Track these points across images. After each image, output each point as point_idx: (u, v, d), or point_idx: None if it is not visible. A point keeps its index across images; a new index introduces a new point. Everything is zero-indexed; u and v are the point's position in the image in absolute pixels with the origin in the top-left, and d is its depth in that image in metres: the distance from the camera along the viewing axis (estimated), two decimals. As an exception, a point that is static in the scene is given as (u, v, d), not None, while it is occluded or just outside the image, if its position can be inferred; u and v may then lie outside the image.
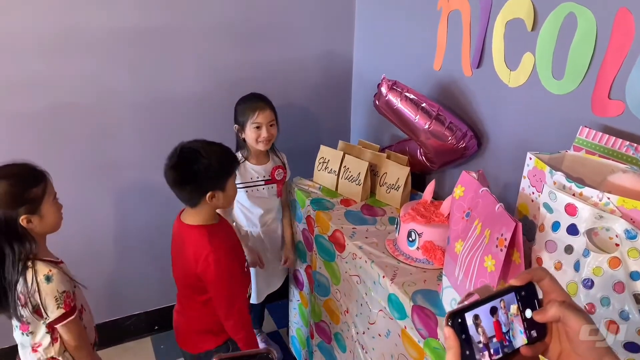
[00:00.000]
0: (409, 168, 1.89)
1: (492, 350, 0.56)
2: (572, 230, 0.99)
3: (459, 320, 0.55)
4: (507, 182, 1.64)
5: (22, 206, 1.39)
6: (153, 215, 2.34)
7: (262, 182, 2.03)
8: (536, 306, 0.59)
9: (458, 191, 1.30)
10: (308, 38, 2.36)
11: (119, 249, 2.37)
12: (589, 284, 0.95)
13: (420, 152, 1.92)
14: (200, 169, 1.51)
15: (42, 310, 1.43)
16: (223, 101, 2.13)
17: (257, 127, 1.92)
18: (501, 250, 1.05)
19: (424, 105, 1.74)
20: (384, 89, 1.80)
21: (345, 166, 2.01)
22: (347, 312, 1.80)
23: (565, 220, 1.00)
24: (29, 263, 1.42)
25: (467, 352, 0.55)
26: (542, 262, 1.06)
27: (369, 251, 1.63)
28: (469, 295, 0.59)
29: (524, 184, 1.18)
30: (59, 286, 1.45)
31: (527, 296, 0.59)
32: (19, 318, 1.45)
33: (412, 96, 1.76)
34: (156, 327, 2.60)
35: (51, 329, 1.49)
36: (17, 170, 1.43)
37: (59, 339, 1.51)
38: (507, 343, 0.57)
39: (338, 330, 1.91)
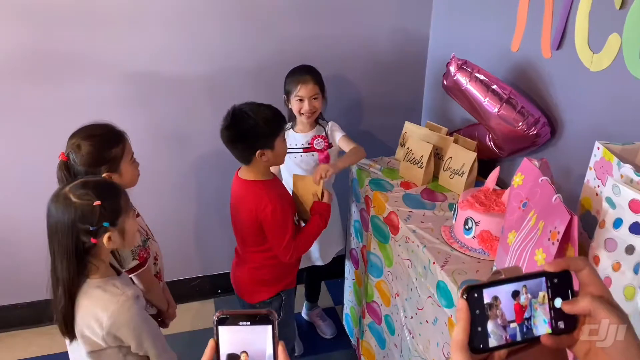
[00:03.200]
0: (475, 154, 1.80)
1: (508, 334, 0.53)
2: (636, 229, 0.89)
3: (475, 295, 0.53)
4: (581, 175, 1.51)
5: (103, 165, 1.50)
6: (224, 181, 2.42)
7: (301, 150, 2.06)
8: (569, 297, 0.55)
9: (517, 179, 1.22)
10: (381, 13, 2.30)
11: (193, 213, 2.50)
12: (647, 289, 0.86)
13: (488, 137, 1.82)
14: (248, 129, 1.62)
15: (118, 261, 1.54)
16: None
17: (300, 100, 1.96)
18: (553, 243, 0.98)
19: (494, 87, 1.64)
20: (452, 68, 1.71)
21: (408, 148, 1.95)
22: (397, 295, 1.78)
23: (629, 218, 0.90)
24: None
25: (479, 329, 0.52)
26: (600, 261, 0.97)
27: (422, 235, 1.59)
28: (496, 273, 0.56)
29: (589, 175, 1.08)
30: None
31: (560, 285, 0.55)
32: None
33: (482, 77, 1.66)
34: (219, 291, 2.73)
35: None
36: (99, 131, 1.53)
37: None
38: (526, 329, 0.54)
39: (388, 313, 1.89)
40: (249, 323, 0.59)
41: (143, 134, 2.17)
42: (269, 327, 0.59)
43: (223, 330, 0.59)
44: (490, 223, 1.47)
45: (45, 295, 1.32)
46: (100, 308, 1.27)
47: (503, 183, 1.80)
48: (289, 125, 2.05)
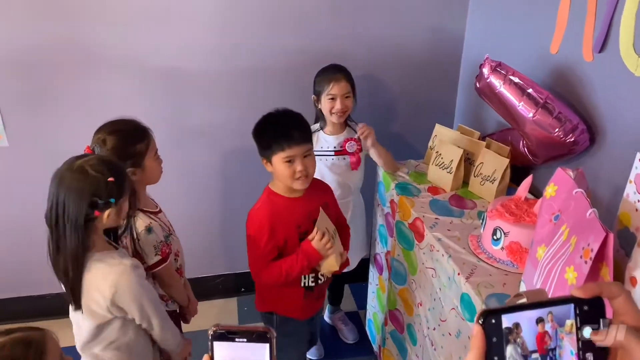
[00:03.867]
0: (508, 160, 1.72)
1: None
2: (679, 250, 0.81)
3: (493, 320, 0.48)
4: (620, 188, 1.42)
5: (127, 160, 1.50)
6: (250, 179, 2.41)
7: (332, 153, 2.00)
8: (600, 327, 0.49)
9: (550, 190, 1.15)
10: (414, 12, 2.23)
11: (218, 210, 2.50)
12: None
13: (522, 143, 1.74)
14: (255, 130, 1.59)
15: (142, 256, 1.56)
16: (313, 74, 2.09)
17: (332, 99, 1.91)
18: (585, 262, 0.91)
19: (530, 91, 1.55)
20: (485, 70, 1.64)
21: (438, 152, 1.89)
22: (421, 305, 1.72)
23: (672, 238, 0.82)
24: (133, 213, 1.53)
25: (496, 358, 0.48)
26: (637, 282, 0.90)
27: (447, 244, 1.52)
28: (518, 296, 0.52)
29: (629, 189, 1.00)
30: (157, 237, 1.58)
31: (591, 312, 0.50)
32: None
33: (517, 80, 1.58)
34: (242, 290, 2.72)
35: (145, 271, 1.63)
36: (124, 126, 1.54)
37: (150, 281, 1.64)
38: None
39: (411, 322, 1.83)
40: (245, 340, 0.57)
41: (168, 131, 2.17)
42: (267, 345, 0.57)
43: (218, 346, 0.57)
44: (520, 234, 1.39)
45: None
46: (101, 279, 1.32)
47: (537, 192, 1.71)
48: (317, 126, 2.02)
